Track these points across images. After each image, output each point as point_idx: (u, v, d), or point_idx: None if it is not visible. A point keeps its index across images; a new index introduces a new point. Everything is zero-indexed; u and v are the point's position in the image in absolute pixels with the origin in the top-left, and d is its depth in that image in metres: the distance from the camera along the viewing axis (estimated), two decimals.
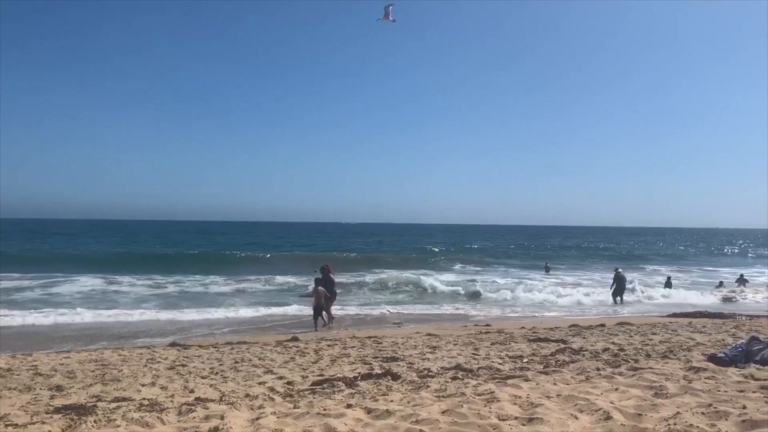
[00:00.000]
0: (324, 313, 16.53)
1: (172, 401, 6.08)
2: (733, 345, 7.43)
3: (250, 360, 9.71)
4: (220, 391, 6.77)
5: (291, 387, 6.90)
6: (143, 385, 7.34)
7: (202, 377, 8.06)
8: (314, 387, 6.72)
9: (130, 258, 42.68)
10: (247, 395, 6.36)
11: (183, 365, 9.25)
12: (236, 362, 9.48)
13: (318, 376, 7.66)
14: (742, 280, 29.87)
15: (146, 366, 9.22)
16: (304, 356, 9.98)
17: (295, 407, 5.37)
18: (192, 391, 6.81)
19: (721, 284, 29.65)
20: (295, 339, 12.77)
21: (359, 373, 7.56)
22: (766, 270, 43.39)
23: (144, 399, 6.25)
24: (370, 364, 8.68)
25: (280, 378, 7.69)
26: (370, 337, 12.58)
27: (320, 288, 16.71)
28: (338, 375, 7.43)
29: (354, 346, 11.08)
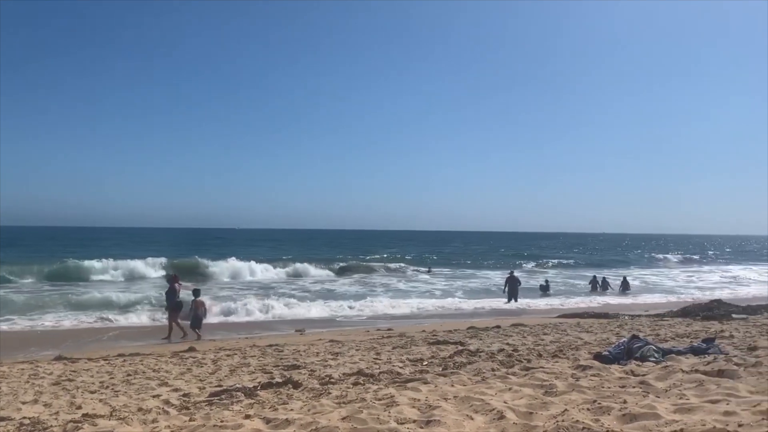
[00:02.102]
0: (176, 323, 15.99)
1: (56, 419, 5.72)
2: (617, 343, 7.91)
3: (143, 372, 9.30)
4: (110, 406, 6.44)
5: (187, 399, 6.67)
6: (24, 403, 6.83)
7: (91, 392, 7.62)
8: (212, 398, 6.53)
9: None
10: (140, 409, 6.09)
11: (70, 380, 8.72)
12: (129, 375, 9.05)
13: (216, 386, 7.45)
14: (604, 283, 31.39)
15: (28, 382, 8.61)
16: (202, 367, 9.68)
17: (190, 420, 5.19)
18: (79, 407, 6.43)
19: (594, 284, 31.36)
20: (192, 349, 12.36)
21: (259, 382, 7.42)
22: (644, 272, 46.77)
23: (24, 418, 5.84)
24: (271, 372, 8.55)
25: (176, 390, 7.41)
26: (271, 345, 12.39)
27: (198, 299, 16.36)
28: (237, 385, 7.26)
29: (254, 355, 10.87)
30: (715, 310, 16.87)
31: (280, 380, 7.43)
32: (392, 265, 46.55)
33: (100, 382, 8.39)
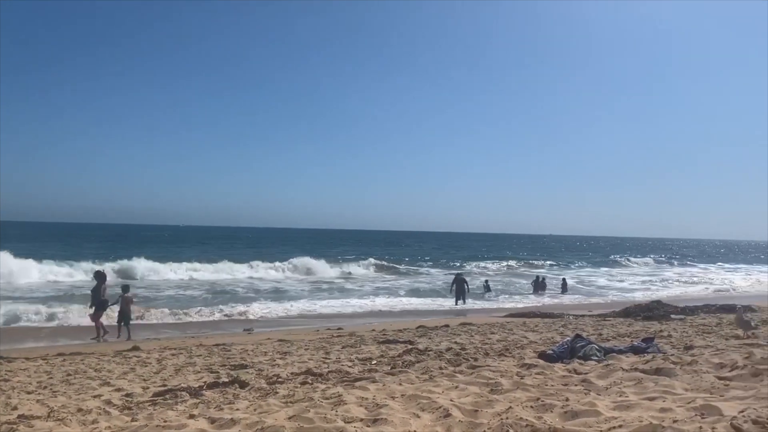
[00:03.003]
0: (98, 323, 15.50)
1: None
2: (561, 342, 8.09)
3: (84, 372, 9.04)
4: (48, 406, 6.23)
5: (130, 399, 6.51)
6: None
7: (28, 392, 7.36)
8: (155, 398, 6.40)
9: None
10: (80, 410, 5.91)
11: (5, 380, 8.40)
12: (69, 375, 8.78)
13: (160, 386, 7.31)
14: (543, 284, 31.62)
15: None
16: (146, 366, 9.47)
17: (132, 420, 5.07)
18: (15, 408, 6.20)
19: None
20: (136, 348, 12.06)
21: (205, 382, 7.31)
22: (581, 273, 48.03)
23: None
24: (217, 372, 8.43)
25: (118, 390, 7.23)
26: (218, 345, 12.20)
27: (127, 295, 16.03)
28: (182, 385, 7.14)
29: (201, 355, 10.69)
30: (655, 310, 17.42)
31: (226, 380, 7.35)
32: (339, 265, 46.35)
33: (38, 382, 8.12)
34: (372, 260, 49.15)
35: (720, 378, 5.12)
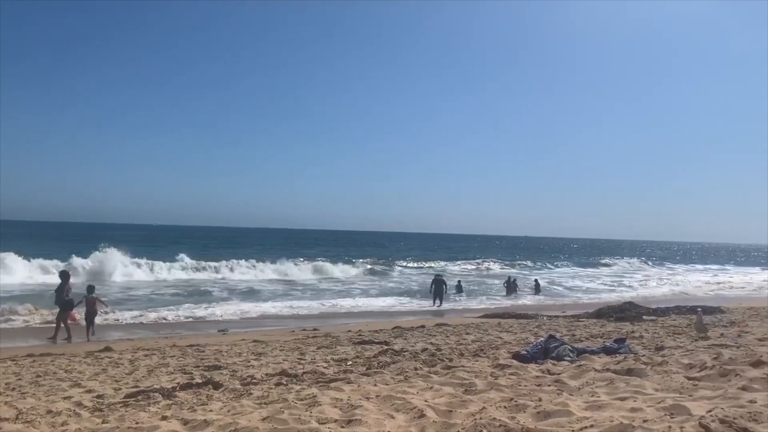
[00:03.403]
0: (63, 323, 15.20)
1: None
2: (534, 343, 8.17)
3: (54, 373, 8.88)
4: (16, 408, 6.10)
5: (101, 401, 6.41)
6: None
7: None
8: (127, 400, 6.31)
9: None
10: (50, 411, 5.81)
11: None
12: (38, 376, 8.62)
13: (132, 387, 7.21)
14: (514, 284, 31.71)
15: None
16: (118, 367, 9.34)
17: (103, 422, 5.01)
18: None
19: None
20: (108, 349, 11.91)
21: (178, 383, 7.24)
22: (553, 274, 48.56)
23: None
24: (191, 373, 8.34)
25: (89, 391, 7.11)
26: (191, 346, 12.09)
27: (92, 295, 15.83)
28: (155, 386, 7.06)
29: (174, 356, 10.58)
30: (627, 312, 17.67)
31: (200, 381, 7.28)
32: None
33: (6, 384, 7.96)
34: (352, 261, 49.17)
35: (689, 378, 5.22)
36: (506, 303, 26.83)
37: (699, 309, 11.01)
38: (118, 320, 18.00)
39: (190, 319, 19.12)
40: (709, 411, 3.69)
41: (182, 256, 41.07)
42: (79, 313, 16.00)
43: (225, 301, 24.06)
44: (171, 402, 5.91)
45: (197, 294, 27.04)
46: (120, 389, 7.20)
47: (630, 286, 37.48)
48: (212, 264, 39.96)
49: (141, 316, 19.11)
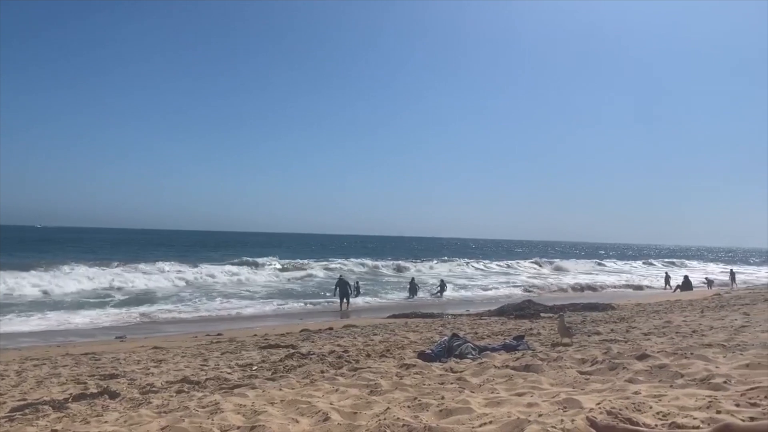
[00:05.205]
0: None
1: None
2: (439, 342, 8.35)
3: None
4: None
5: None
6: None
7: None
8: (13, 414, 5.90)
9: None
10: None
11: None
12: None
13: (19, 401, 6.73)
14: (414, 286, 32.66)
15: None
16: (3, 379, 8.70)
17: None
18: None
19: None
20: None
21: (71, 394, 6.85)
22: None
23: None
24: (85, 383, 7.90)
25: None
26: (86, 354, 11.47)
27: None
28: (45, 398, 6.64)
29: (67, 365, 10.00)
30: (527, 309, 18.43)
31: (95, 391, 6.93)
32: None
33: None
34: (259, 262, 48.09)
35: (582, 373, 5.51)
36: (408, 302, 27.41)
37: (561, 314, 11.55)
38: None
39: (85, 326, 18.18)
40: (598, 403, 3.92)
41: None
42: None
43: (123, 305, 23.01)
44: (62, 414, 5.59)
45: (92, 298, 25.64)
46: (5, 403, 6.71)
47: (516, 285, 39.07)
48: (107, 267, 37.90)
49: (28, 322, 17.97)
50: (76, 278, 30.81)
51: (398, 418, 4.03)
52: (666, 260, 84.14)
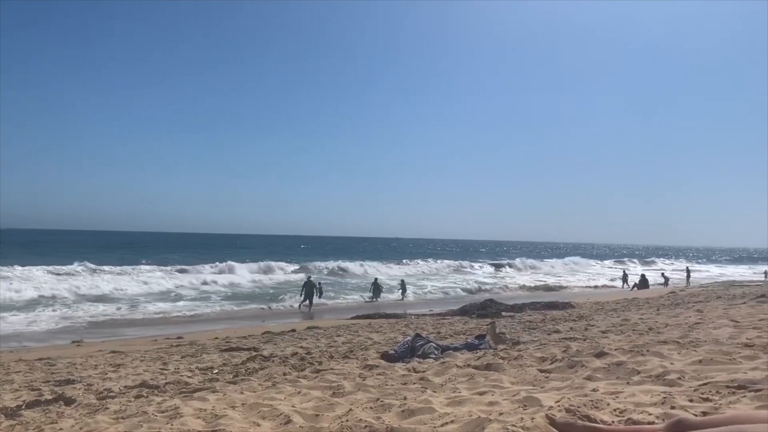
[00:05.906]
0: None
1: None
2: (402, 342, 8.38)
3: None
4: None
5: None
6: None
7: None
8: None
9: None
10: None
11: None
12: None
13: None
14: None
15: None
16: None
17: None
18: None
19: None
20: None
21: (24, 401, 6.65)
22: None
23: None
24: (39, 389, 7.69)
25: None
26: (41, 359, 11.16)
27: None
28: None
29: (20, 371, 9.71)
30: (488, 308, 18.63)
31: (49, 397, 6.74)
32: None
33: None
34: (218, 264, 47.43)
35: (542, 371, 5.58)
36: (371, 303, 27.46)
37: (493, 321, 11.62)
38: None
39: (39, 329, 17.67)
40: (558, 401, 3.97)
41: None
42: None
43: (78, 307, 22.44)
44: (15, 422, 5.42)
45: (45, 299, 24.91)
46: None
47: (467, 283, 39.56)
48: (63, 267, 36.99)
49: None
50: (32, 281, 29.98)
51: (360, 420, 4.02)
52: (633, 259, 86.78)
